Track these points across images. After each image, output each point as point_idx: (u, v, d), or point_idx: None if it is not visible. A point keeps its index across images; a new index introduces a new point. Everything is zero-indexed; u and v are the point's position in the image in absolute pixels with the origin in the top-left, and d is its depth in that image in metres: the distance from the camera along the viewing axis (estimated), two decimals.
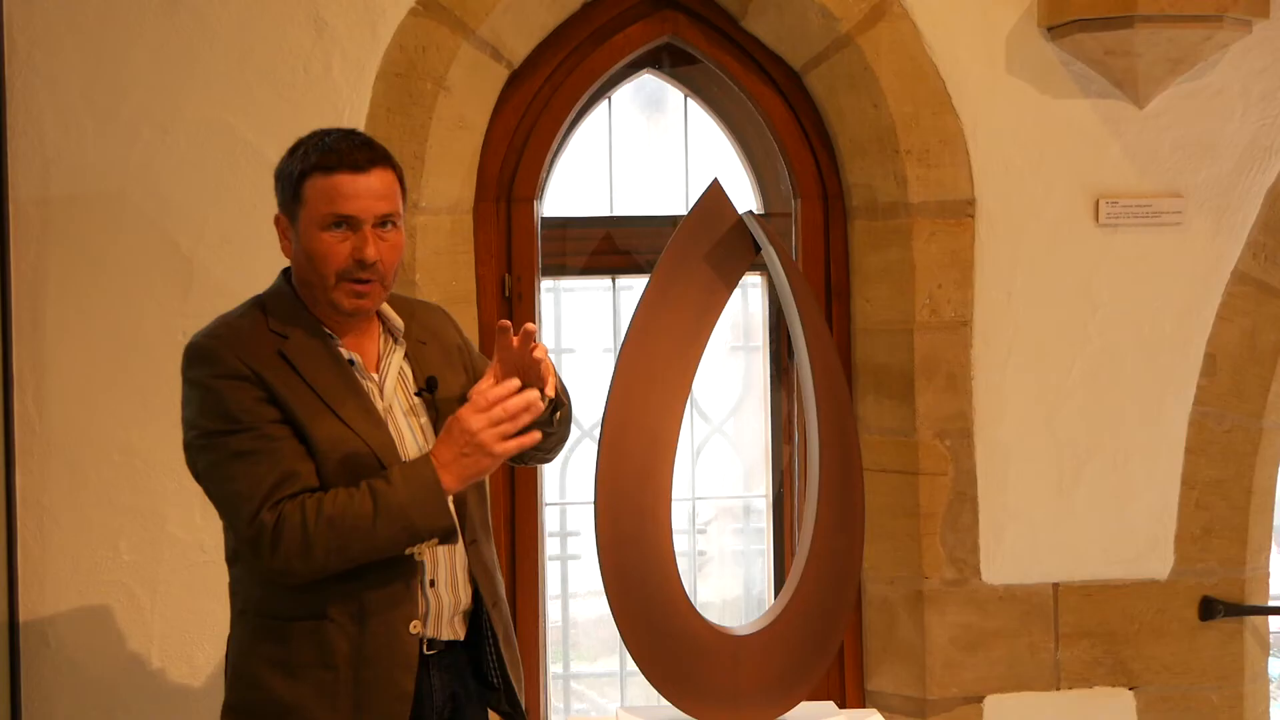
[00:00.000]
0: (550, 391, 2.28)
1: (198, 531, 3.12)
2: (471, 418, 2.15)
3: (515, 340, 2.26)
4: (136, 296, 3.11)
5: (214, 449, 2.17)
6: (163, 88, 3.10)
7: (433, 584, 2.28)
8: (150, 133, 3.10)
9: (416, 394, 2.34)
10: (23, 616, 3.11)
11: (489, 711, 2.47)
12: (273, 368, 2.18)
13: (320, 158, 2.19)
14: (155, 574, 3.14)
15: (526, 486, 3.36)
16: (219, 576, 3.12)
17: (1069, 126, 3.27)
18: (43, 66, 3.08)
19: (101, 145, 3.10)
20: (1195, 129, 3.30)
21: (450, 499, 2.19)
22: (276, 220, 2.27)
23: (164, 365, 3.11)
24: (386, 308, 2.36)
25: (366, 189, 2.20)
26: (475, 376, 2.45)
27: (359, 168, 2.19)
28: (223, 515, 2.23)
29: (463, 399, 2.31)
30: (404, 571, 2.22)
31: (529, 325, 2.25)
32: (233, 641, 2.32)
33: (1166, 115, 3.29)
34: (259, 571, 2.19)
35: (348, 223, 2.20)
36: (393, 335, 2.35)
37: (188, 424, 2.22)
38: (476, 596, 2.35)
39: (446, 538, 2.20)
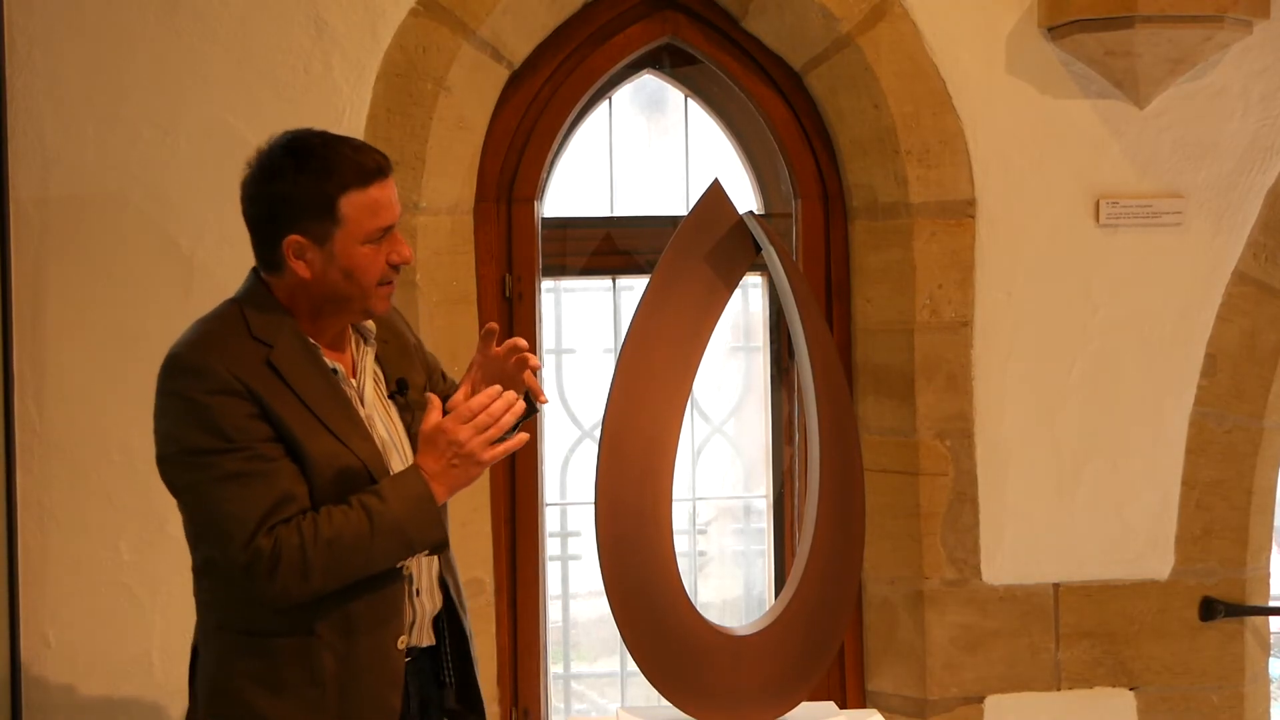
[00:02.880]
0: (544, 398, 2.30)
1: None
2: (458, 428, 2.12)
3: (499, 349, 2.27)
4: (137, 296, 3.11)
5: (202, 468, 2.09)
6: (163, 88, 3.10)
7: (418, 593, 2.27)
8: (151, 133, 3.10)
9: (390, 396, 2.33)
10: (23, 616, 3.11)
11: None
12: (263, 380, 2.11)
13: (353, 174, 2.13)
14: (155, 574, 3.14)
15: (527, 487, 3.36)
16: None
17: (1069, 127, 3.27)
18: (43, 66, 3.08)
19: (102, 145, 3.10)
20: (1195, 129, 3.30)
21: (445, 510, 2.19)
22: (290, 244, 2.14)
23: None
24: None
25: (393, 193, 2.19)
26: (430, 373, 2.47)
27: (385, 175, 2.17)
28: (207, 536, 2.16)
29: (425, 391, 2.33)
30: (393, 585, 2.20)
31: (518, 339, 2.26)
32: (208, 656, 2.23)
33: (1167, 115, 3.29)
34: (251, 594, 2.11)
35: (386, 233, 2.17)
36: (363, 337, 2.33)
37: (167, 438, 2.15)
38: (447, 600, 2.35)
39: (437, 548, 2.19)
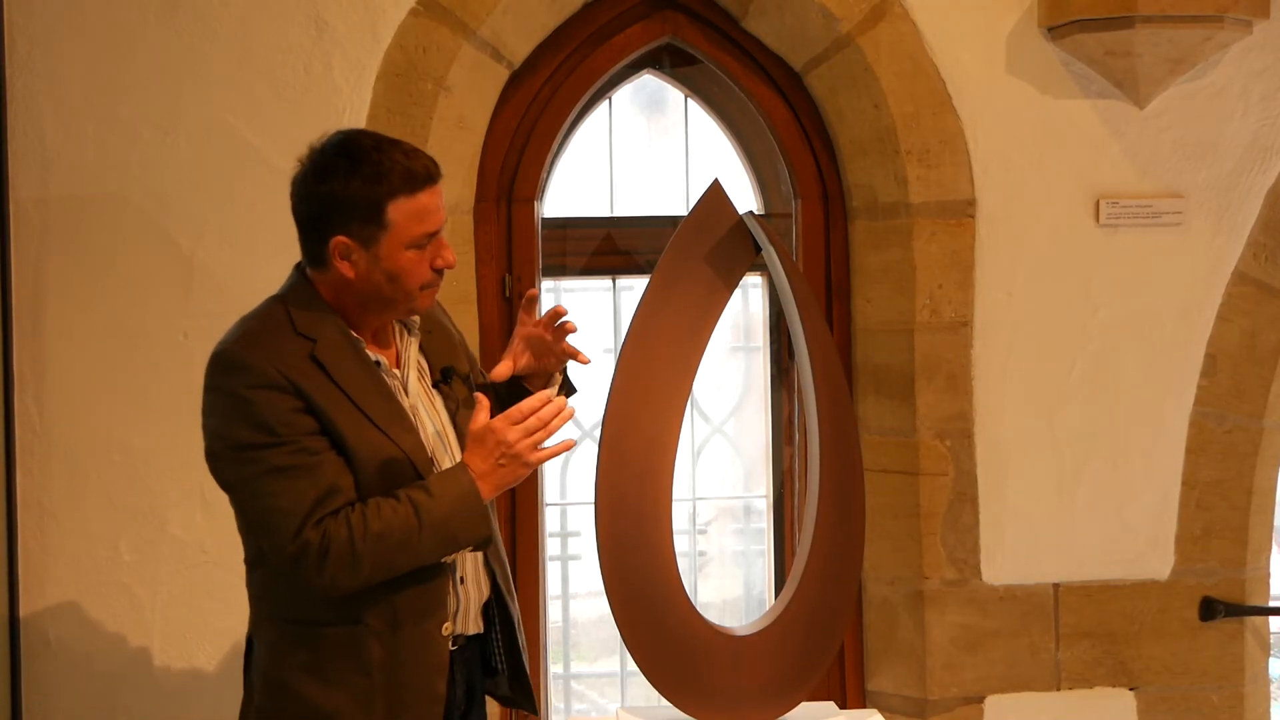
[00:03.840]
0: (585, 359, 2.35)
1: (198, 531, 3.12)
2: (507, 429, 2.18)
3: (542, 318, 2.34)
4: (137, 296, 3.11)
5: (249, 462, 2.13)
6: (163, 88, 3.10)
7: (462, 581, 2.32)
8: (150, 133, 3.10)
9: (434, 385, 2.36)
10: (23, 616, 3.11)
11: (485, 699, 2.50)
12: (307, 374, 2.15)
13: (402, 180, 2.16)
14: (155, 574, 3.14)
15: (527, 487, 3.36)
16: (219, 576, 3.12)
17: (1069, 127, 3.27)
18: (43, 66, 3.08)
19: (102, 145, 3.10)
20: (1195, 129, 3.30)
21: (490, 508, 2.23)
22: (336, 245, 2.18)
23: (165, 365, 3.11)
24: None
25: (440, 200, 2.22)
26: (472, 366, 2.51)
27: (433, 180, 2.20)
28: (257, 529, 2.20)
29: (467, 380, 2.40)
30: (437, 575, 2.24)
31: (559, 306, 2.31)
32: (261, 647, 2.29)
33: (1167, 115, 3.29)
34: (300, 585, 2.15)
35: (431, 238, 2.21)
36: (407, 328, 2.37)
37: (215, 434, 2.18)
38: (494, 587, 2.39)
39: (481, 545, 2.23)
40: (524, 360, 2.47)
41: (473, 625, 2.35)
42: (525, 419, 2.18)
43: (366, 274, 2.19)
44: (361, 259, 2.19)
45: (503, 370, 2.43)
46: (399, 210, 2.16)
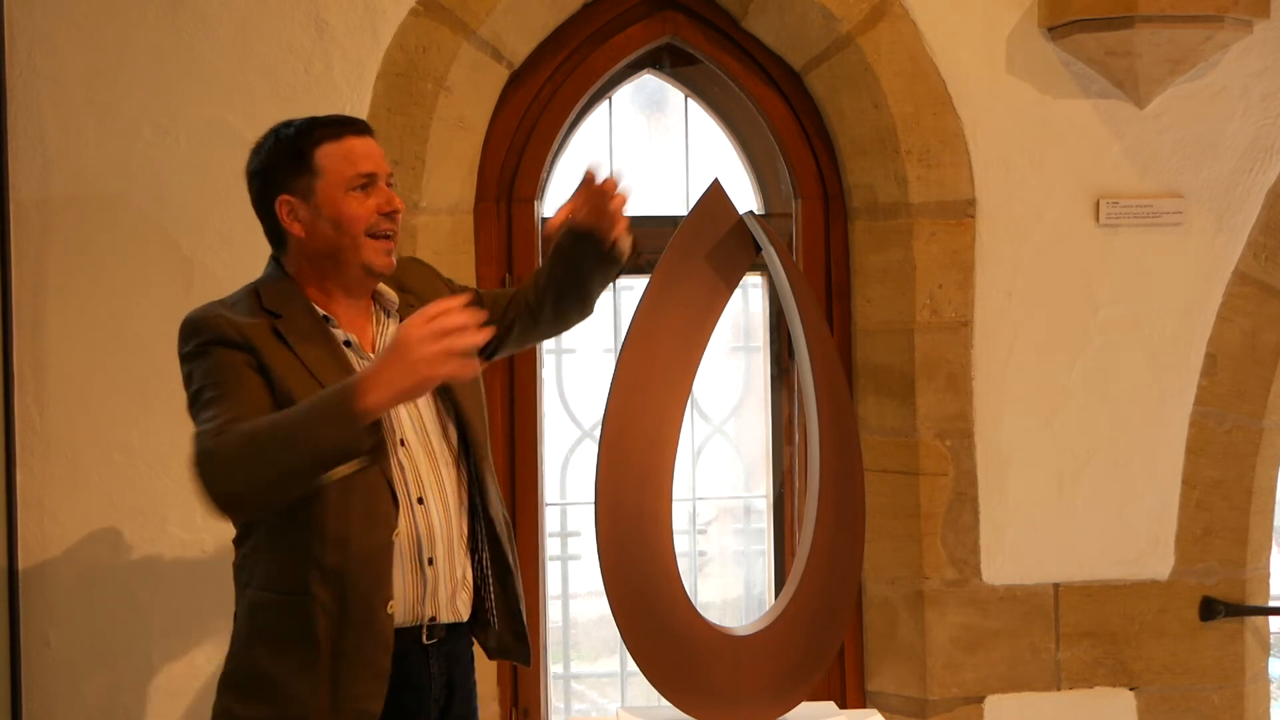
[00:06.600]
0: (618, 232, 2.37)
1: (198, 531, 3.12)
2: (409, 322, 2.04)
3: (596, 188, 2.38)
4: (137, 296, 3.11)
5: (202, 407, 2.17)
6: (163, 88, 3.10)
7: (431, 562, 2.31)
8: (151, 133, 3.10)
9: None
10: (23, 616, 3.11)
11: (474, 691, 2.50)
12: (265, 342, 2.21)
13: (323, 129, 2.27)
14: (155, 574, 3.13)
15: (527, 487, 3.36)
16: (219, 576, 3.12)
17: (1069, 126, 3.27)
18: (43, 66, 3.08)
19: (102, 145, 3.10)
20: (1196, 129, 3.30)
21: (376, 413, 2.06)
22: (281, 203, 2.27)
23: (165, 365, 3.10)
24: (382, 285, 2.38)
25: (374, 149, 2.30)
26: (485, 295, 2.55)
27: (361, 131, 2.30)
28: None
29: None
30: (383, 551, 2.24)
31: (589, 172, 2.33)
32: (235, 617, 2.37)
33: (1167, 115, 3.29)
34: (265, 554, 2.25)
35: (370, 181, 2.27)
36: (385, 310, 2.39)
37: (189, 396, 2.22)
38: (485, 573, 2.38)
39: (356, 453, 2.06)
40: (582, 214, 2.43)
41: (447, 612, 2.34)
42: (432, 318, 2.02)
43: (313, 227, 2.26)
44: (305, 212, 2.26)
45: (557, 219, 2.44)
46: (326, 155, 2.25)
